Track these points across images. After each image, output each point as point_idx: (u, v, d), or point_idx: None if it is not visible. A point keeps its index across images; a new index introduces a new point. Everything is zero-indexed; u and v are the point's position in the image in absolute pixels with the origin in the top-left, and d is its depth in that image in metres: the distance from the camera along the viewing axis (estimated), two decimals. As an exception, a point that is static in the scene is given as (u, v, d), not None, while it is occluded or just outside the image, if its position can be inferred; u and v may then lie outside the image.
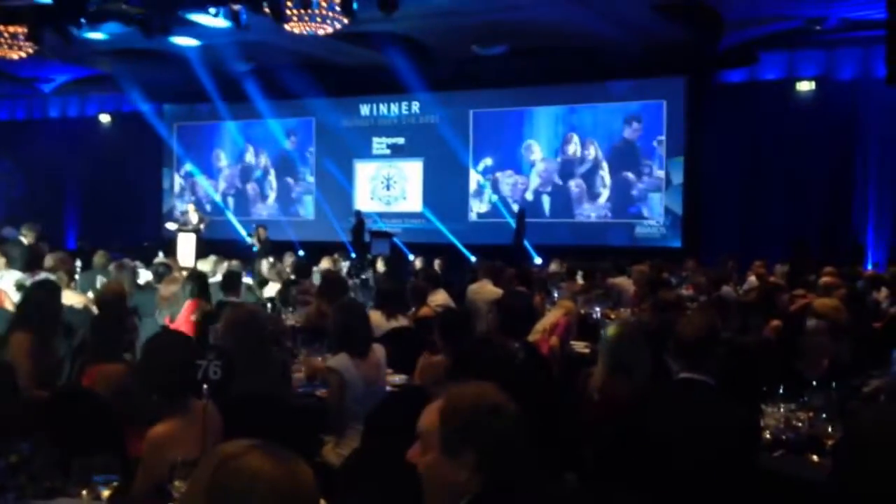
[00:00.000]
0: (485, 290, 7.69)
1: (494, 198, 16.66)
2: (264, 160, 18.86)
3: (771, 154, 14.55)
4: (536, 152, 16.41)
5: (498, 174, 16.72)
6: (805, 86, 14.44)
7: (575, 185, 16.08)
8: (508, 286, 7.88)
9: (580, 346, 6.16)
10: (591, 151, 15.99)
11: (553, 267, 10.55)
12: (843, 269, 9.94)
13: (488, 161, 16.77)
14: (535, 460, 2.04)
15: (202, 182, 19.31)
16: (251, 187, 18.98)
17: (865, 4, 11.67)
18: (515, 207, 15.86)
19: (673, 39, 13.69)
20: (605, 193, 15.87)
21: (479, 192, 16.86)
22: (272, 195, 18.81)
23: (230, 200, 19.09)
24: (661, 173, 15.38)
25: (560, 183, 16.20)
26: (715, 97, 15.02)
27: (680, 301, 6.18)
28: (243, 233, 17.71)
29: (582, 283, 8.91)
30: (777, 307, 6.28)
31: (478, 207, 16.88)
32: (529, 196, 16.38)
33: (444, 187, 16.75)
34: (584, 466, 3.42)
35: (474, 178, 16.88)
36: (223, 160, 19.18)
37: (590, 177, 15.99)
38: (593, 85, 15.64)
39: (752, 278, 9.37)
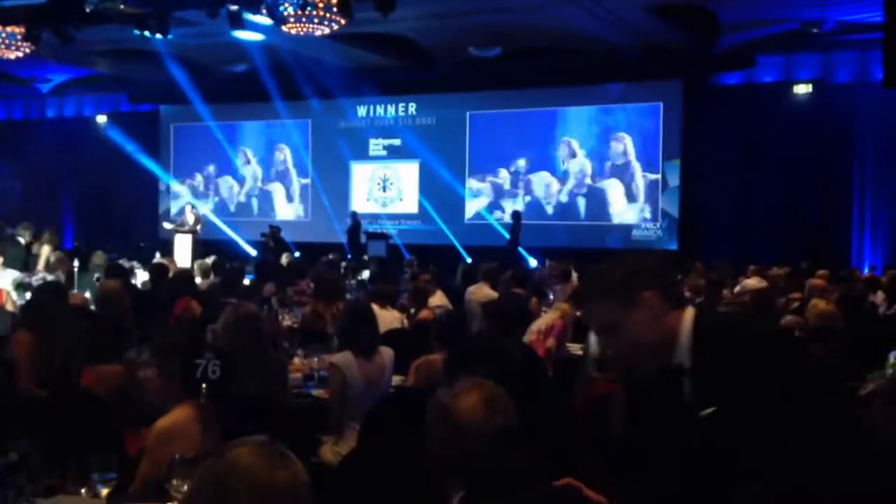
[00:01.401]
0: (482, 292, 7.71)
1: (486, 205, 16.69)
2: (260, 161, 18.86)
3: (768, 157, 14.58)
4: (532, 154, 16.42)
5: (490, 177, 16.74)
6: (802, 88, 14.47)
7: (573, 186, 16.11)
8: (505, 288, 7.91)
9: (575, 349, 6.18)
10: (587, 153, 16.02)
11: (550, 269, 10.57)
12: (839, 272, 10.01)
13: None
14: (529, 461, 2.04)
15: (193, 184, 19.32)
16: (248, 188, 18.98)
17: (862, 7, 11.71)
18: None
19: (670, 42, 13.73)
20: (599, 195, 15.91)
21: (476, 196, 16.87)
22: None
23: (227, 202, 19.09)
24: (657, 176, 15.40)
25: (560, 185, 16.22)
26: (712, 100, 15.05)
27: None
28: (231, 233, 17.76)
29: (577, 285, 8.93)
30: (773, 310, 6.32)
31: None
32: (530, 198, 16.41)
33: (441, 189, 16.76)
34: (579, 467, 3.43)
35: (471, 181, 16.90)
36: (220, 161, 19.16)
37: (585, 177, 16.01)
38: (590, 87, 15.66)
39: (748, 281, 9.39)
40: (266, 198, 18.78)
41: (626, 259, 2.15)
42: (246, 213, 18.76)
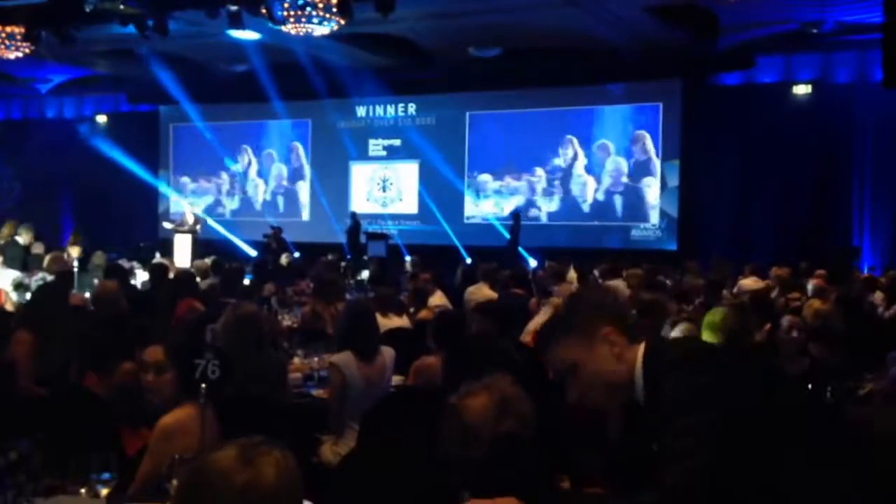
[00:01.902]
0: (481, 292, 7.72)
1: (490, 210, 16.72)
2: (260, 161, 18.87)
3: (767, 157, 14.59)
4: (532, 154, 16.44)
5: (486, 177, 16.75)
6: (801, 89, 14.48)
7: (572, 186, 16.12)
8: (504, 288, 7.92)
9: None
10: (585, 153, 16.03)
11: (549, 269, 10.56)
12: (838, 272, 10.02)
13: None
14: (535, 464, 2.04)
15: (193, 185, 19.33)
16: (247, 188, 18.99)
17: (862, 8, 11.72)
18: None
19: (669, 42, 13.73)
20: (591, 198, 15.93)
21: (476, 197, 16.88)
22: (267, 196, 18.82)
23: (226, 201, 19.10)
24: (657, 176, 15.41)
25: (561, 185, 16.24)
26: (711, 100, 15.05)
27: (659, 302, 6.20)
28: (225, 233, 17.78)
29: (577, 286, 8.93)
30: (771, 310, 6.31)
31: (472, 210, 16.88)
32: (525, 200, 16.43)
33: (440, 189, 16.78)
34: (578, 470, 3.44)
35: (468, 182, 16.93)
36: (219, 161, 19.17)
37: (584, 177, 16.03)
38: (589, 87, 15.67)
39: (745, 281, 9.39)
40: (263, 197, 18.77)
41: (585, 296, 2.22)
42: (243, 212, 18.77)
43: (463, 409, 1.97)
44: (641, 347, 2.02)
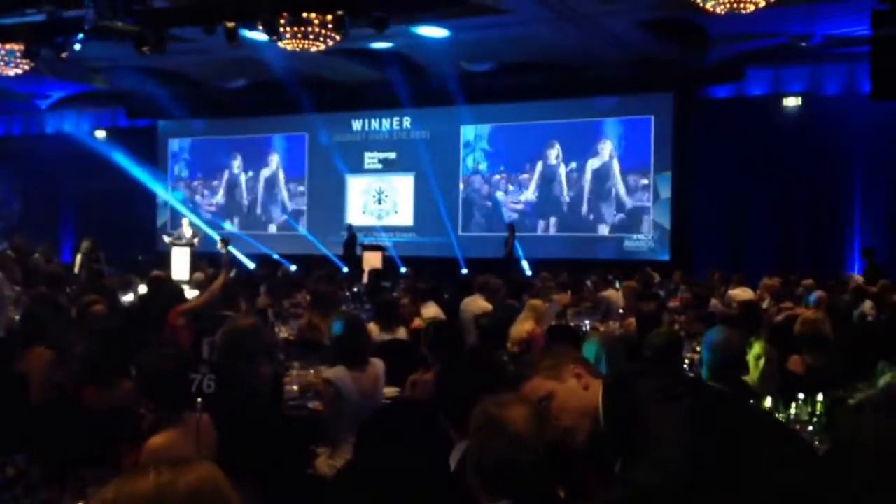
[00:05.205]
0: (476, 304, 7.75)
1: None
2: (257, 175, 18.93)
3: (758, 169, 14.68)
4: (526, 168, 16.54)
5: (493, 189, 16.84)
6: (791, 101, 14.57)
7: (566, 199, 16.21)
8: (498, 300, 7.96)
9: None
10: (579, 166, 16.11)
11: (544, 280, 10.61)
12: (830, 282, 10.10)
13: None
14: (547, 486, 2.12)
15: (189, 199, 19.39)
16: (244, 202, 19.04)
17: (850, 21, 11.83)
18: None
19: (660, 55, 13.84)
20: (584, 210, 16.01)
21: (472, 205, 16.96)
22: (264, 210, 18.88)
23: (223, 215, 19.15)
24: (649, 188, 15.49)
25: (555, 197, 16.32)
26: (702, 113, 15.16)
27: (659, 312, 6.28)
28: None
29: (571, 296, 9.02)
30: (760, 319, 6.39)
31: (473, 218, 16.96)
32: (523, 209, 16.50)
33: (435, 201, 16.84)
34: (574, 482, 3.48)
35: (463, 193, 17.01)
36: (216, 175, 19.23)
37: (577, 190, 16.11)
38: (581, 101, 15.77)
39: (734, 291, 9.46)
40: (260, 210, 18.81)
41: (551, 349, 2.74)
42: (242, 225, 18.82)
43: (506, 419, 2.04)
44: (602, 382, 2.31)
